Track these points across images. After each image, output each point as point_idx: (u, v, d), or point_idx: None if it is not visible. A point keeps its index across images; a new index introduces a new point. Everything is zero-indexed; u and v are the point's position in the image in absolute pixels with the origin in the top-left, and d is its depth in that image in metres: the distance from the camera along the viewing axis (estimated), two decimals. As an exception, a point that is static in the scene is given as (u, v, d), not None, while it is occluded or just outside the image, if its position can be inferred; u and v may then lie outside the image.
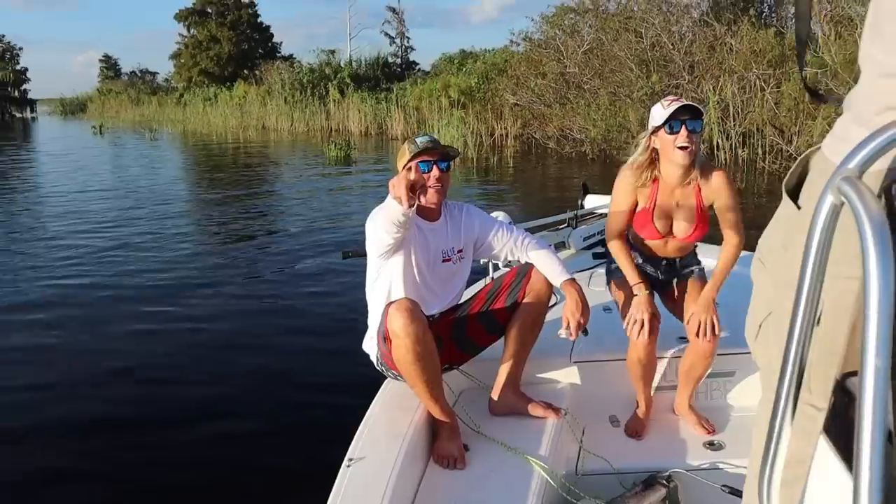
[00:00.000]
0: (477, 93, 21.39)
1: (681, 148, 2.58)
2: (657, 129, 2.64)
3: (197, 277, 6.98)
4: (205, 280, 6.89)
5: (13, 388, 4.46)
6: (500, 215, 3.89)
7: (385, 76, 32.62)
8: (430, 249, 2.78)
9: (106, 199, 12.27)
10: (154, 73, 64.03)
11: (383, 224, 2.50)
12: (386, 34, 40.37)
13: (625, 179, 2.79)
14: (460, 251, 2.88)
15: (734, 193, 2.74)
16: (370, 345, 2.78)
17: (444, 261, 2.83)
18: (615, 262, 2.89)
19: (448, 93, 21.96)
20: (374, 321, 2.77)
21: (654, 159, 2.74)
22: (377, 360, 2.72)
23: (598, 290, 3.15)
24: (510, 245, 2.88)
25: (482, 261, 3.46)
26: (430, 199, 2.74)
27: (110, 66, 69.38)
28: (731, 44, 14.77)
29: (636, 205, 2.80)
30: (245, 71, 43.18)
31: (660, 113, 2.61)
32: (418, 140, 2.76)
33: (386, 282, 2.70)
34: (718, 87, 14.43)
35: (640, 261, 2.93)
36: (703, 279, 2.88)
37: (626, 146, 15.36)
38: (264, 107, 31.29)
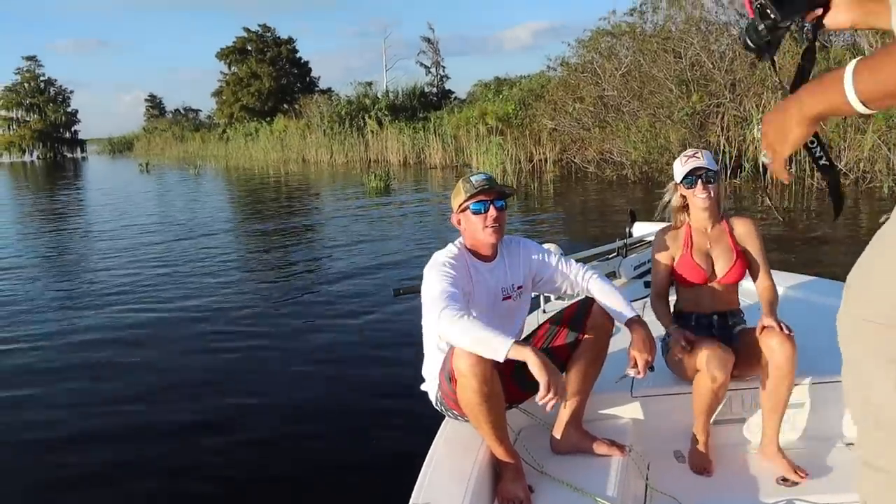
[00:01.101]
0: (514, 119, 21.39)
1: (701, 198, 2.88)
2: (678, 184, 2.94)
3: (245, 309, 7.02)
4: (252, 311, 6.92)
5: (82, 400, 4.81)
6: (551, 247, 3.83)
7: (422, 105, 32.85)
8: (490, 289, 2.73)
9: (154, 233, 12.54)
10: (197, 111, 65.64)
11: (458, 326, 2.37)
12: (421, 64, 40.71)
13: (659, 241, 3.05)
14: (520, 287, 2.82)
15: (762, 240, 2.98)
16: (430, 384, 2.72)
17: (504, 299, 2.78)
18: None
19: (485, 120, 22.02)
20: (433, 361, 2.71)
21: (684, 205, 2.98)
22: (437, 399, 2.66)
23: (650, 318, 3.08)
24: (570, 279, 2.82)
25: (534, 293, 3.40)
26: (487, 239, 2.70)
27: (155, 105, 71.31)
28: (773, 59, 14.56)
29: (673, 260, 3.01)
30: (285, 105, 43.95)
31: (679, 169, 2.91)
32: (473, 179, 2.72)
33: None
34: (762, 105, 14.21)
35: (693, 323, 2.96)
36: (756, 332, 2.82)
37: (667, 168, 15.18)
38: (304, 140, 31.76)
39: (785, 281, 4.03)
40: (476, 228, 2.69)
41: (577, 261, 3.80)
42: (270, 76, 47.47)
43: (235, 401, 4.70)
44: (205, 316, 6.80)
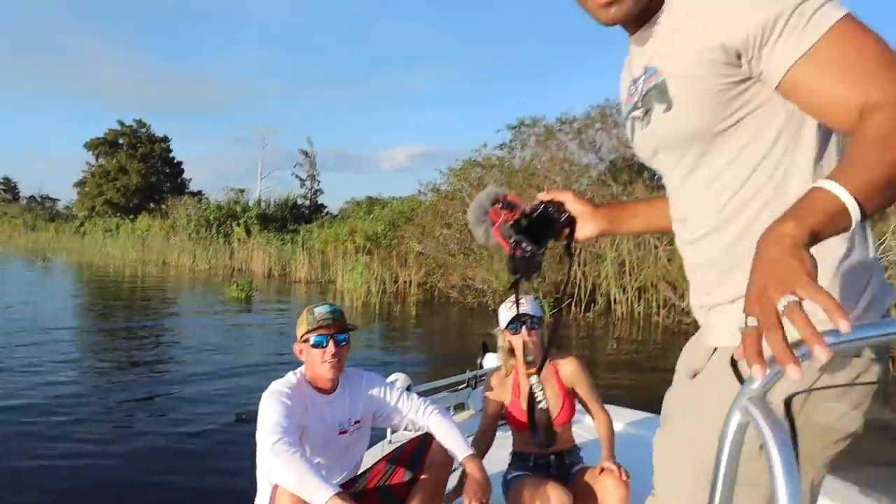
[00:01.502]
0: (383, 239, 21.67)
1: (525, 343, 2.95)
2: (504, 329, 3.02)
3: (74, 413, 6.56)
4: (81, 416, 6.48)
5: None
6: (399, 378, 3.84)
7: (293, 217, 32.83)
8: (326, 423, 2.68)
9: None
10: (55, 200, 62.76)
11: (286, 464, 2.32)
12: (297, 176, 41.01)
13: (488, 386, 3.10)
14: (357, 422, 2.78)
15: (589, 377, 3.08)
16: None
17: (340, 433, 2.73)
18: (510, 473, 3.00)
19: (354, 238, 22.17)
20: (263, 496, 2.59)
21: (511, 349, 3.04)
22: None
23: (499, 453, 3.09)
24: (410, 415, 2.82)
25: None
26: (325, 374, 2.68)
27: (8, 189, 67.65)
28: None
29: (503, 405, 3.06)
30: (151, 204, 42.74)
31: (503, 315, 3.01)
32: (317, 311, 2.73)
33: None
34: (615, 244, 15.08)
35: (531, 464, 2.99)
36: (594, 470, 2.90)
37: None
38: (167, 241, 30.76)
39: (627, 417, 4.15)
40: (315, 361, 2.67)
41: (428, 391, 3.81)
42: (139, 173, 46.27)
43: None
44: (29, 417, 6.38)
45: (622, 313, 14.69)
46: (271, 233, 27.80)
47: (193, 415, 6.98)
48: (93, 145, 48.28)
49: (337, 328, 2.70)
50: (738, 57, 1.12)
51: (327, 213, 36.03)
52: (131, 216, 39.91)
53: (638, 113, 1.35)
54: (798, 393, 1.04)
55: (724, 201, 1.22)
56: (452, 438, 2.71)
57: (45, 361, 8.99)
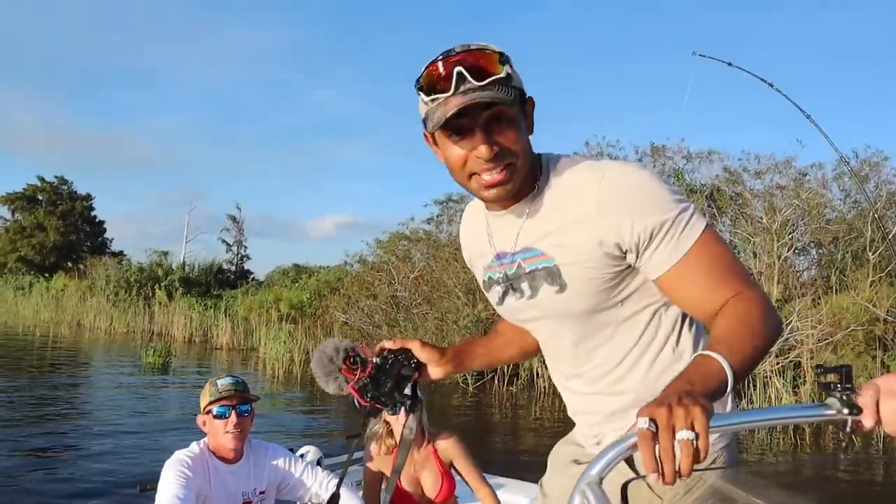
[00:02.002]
0: (308, 308, 21.54)
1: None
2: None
3: None
4: None
5: None
6: (310, 451, 3.89)
7: (218, 283, 32.27)
8: (229, 491, 2.74)
9: None
10: (-37, 255, 59.83)
11: None
12: (223, 241, 40.42)
13: (368, 456, 3.17)
14: (262, 492, 2.85)
15: (467, 453, 3.16)
16: None
17: (245, 503, 2.78)
18: None
19: (279, 306, 21.96)
20: None
21: (390, 430, 3.13)
22: None
23: None
24: (315, 488, 2.91)
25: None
26: (227, 444, 2.74)
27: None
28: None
29: (381, 479, 3.12)
30: (69, 263, 41.27)
31: None
32: (220, 382, 2.81)
33: None
34: (536, 321, 15.41)
35: None
36: None
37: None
38: (83, 303, 29.70)
39: (519, 490, 4.27)
40: (218, 432, 2.75)
41: (342, 463, 3.88)
42: (58, 230, 44.77)
43: None
44: None
45: (544, 387, 14.92)
46: (194, 297, 27.20)
47: (97, 483, 6.82)
48: (9, 200, 46.60)
49: (239, 399, 2.79)
50: (626, 251, 1.35)
51: (253, 279, 35.54)
52: (46, 274, 38.43)
53: (516, 284, 1.52)
54: (632, 480, 1.23)
55: (619, 358, 1.46)
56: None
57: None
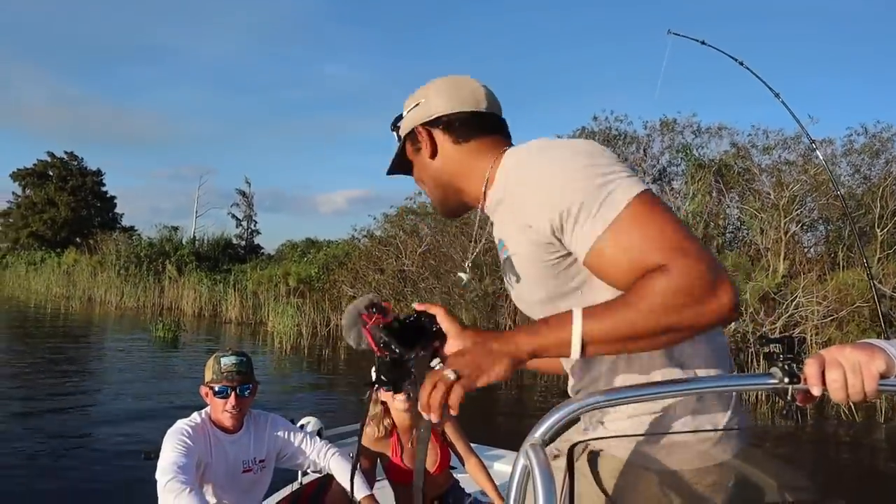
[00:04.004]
0: (316, 282, 21.64)
1: (399, 400, 3.09)
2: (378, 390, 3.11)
3: None
4: None
5: None
6: (311, 422, 3.95)
7: (227, 257, 32.41)
8: (230, 461, 2.79)
9: None
10: (-24, 230, 60.27)
11: (176, 501, 2.47)
12: (233, 216, 40.55)
13: (367, 433, 3.18)
14: (262, 461, 2.91)
15: (457, 423, 3.23)
16: None
17: (244, 471, 2.85)
18: None
19: (287, 281, 22.07)
20: None
21: (386, 409, 3.17)
22: None
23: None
24: (312, 456, 2.96)
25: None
26: (225, 421, 2.80)
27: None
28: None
29: (381, 457, 3.16)
30: (79, 238, 41.52)
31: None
32: (223, 361, 2.85)
33: None
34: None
35: None
36: (482, 503, 3.10)
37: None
38: (94, 277, 29.92)
39: (497, 456, 4.36)
40: (217, 408, 2.81)
41: (342, 435, 3.94)
42: (68, 206, 45.01)
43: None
44: None
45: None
46: (204, 272, 27.36)
47: (106, 450, 7.02)
48: (20, 176, 46.83)
49: (240, 381, 2.83)
50: (555, 237, 1.29)
51: (264, 253, 35.69)
52: (58, 250, 38.70)
53: (504, 274, 1.53)
54: (578, 443, 1.23)
55: None
56: (353, 482, 2.85)
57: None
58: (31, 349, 14.82)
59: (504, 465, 4.30)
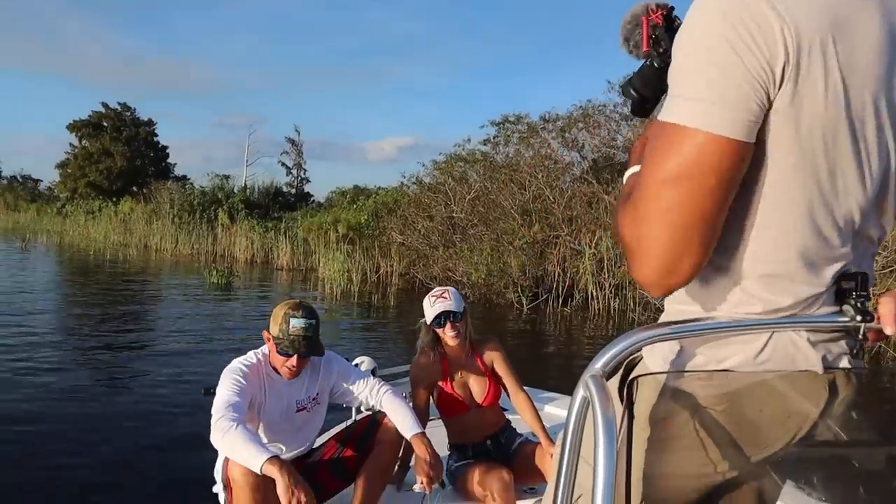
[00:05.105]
0: (366, 229, 21.76)
1: (450, 335, 3.10)
2: (430, 325, 3.14)
3: (52, 390, 6.74)
4: (60, 392, 6.67)
5: None
6: (364, 361, 3.95)
7: (278, 205, 32.79)
8: (284, 401, 2.80)
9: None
10: (37, 181, 62.06)
11: (226, 437, 2.48)
12: (283, 164, 40.93)
13: (416, 367, 3.20)
14: (315, 398, 2.90)
15: (505, 356, 3.25)
16: (219, 489, 2.75)
17: (298, 410, 2.84)
18: (453, 464, 3.11)
19: (337, 228, 22.24)
20: (219, 465, 2.72)
21: (438, 338, 3.18)
22: (222, 498, 2.68)
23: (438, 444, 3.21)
24: (365, 394, 2.95)
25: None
26: (283, 375, 2.79)
27: (-10, 170, 66.84)
28: (608, 201, 15.82)
29: (432, 388, 3.18)
30: (134, 188, 42.47)
31: (428, 311, 3.13)
32: (293, 323, 2.76)
33: None
34: (594, 241, 15.27)
35: (471, 453, 3.13)
36: (534, 444, 3.07)
37: (505, 291, 15.90)
38: (149, 225, 30.61)
39: (549, 399, 4.33)
40: (277, 361, 2.78)
41: (394, 375, 3.92)
42: (124, 156, 45.91)
43: (27, 486, 4.56)
44: (4, 395, 6.54)
45: (599, 309, 14.89)
46: (255, 219, 27.75)
47: (165, 387, 7.23)
48: (76, 127, 47.81)
49: (306, 347, 2.78)
50: None
51: (314, 201, 36.01)
52: (114, 199, 39.65)
53: None
54: (640, 376, 1.13)
55: None
56: (403, 417, 2.84)
57: (22, 342, 9.07)
58: (94, 293, 15.28)
59: (553, 408, 4.27)
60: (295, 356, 2.75)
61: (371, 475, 2.81)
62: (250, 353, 2.86)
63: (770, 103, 0.96)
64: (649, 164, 1.02)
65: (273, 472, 2.30)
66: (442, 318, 3.09)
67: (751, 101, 0.95)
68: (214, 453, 2.82)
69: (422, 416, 3.10)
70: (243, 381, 2.67)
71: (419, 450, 2.72)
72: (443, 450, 3.16)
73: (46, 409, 6.35)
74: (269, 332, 2.82)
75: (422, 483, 2.67)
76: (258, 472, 2.32)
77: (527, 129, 18.97)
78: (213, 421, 2.53)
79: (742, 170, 0.99)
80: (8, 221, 44.52)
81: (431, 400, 3.19)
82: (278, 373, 2.83)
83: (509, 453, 3.13)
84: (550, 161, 18.14)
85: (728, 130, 0.95)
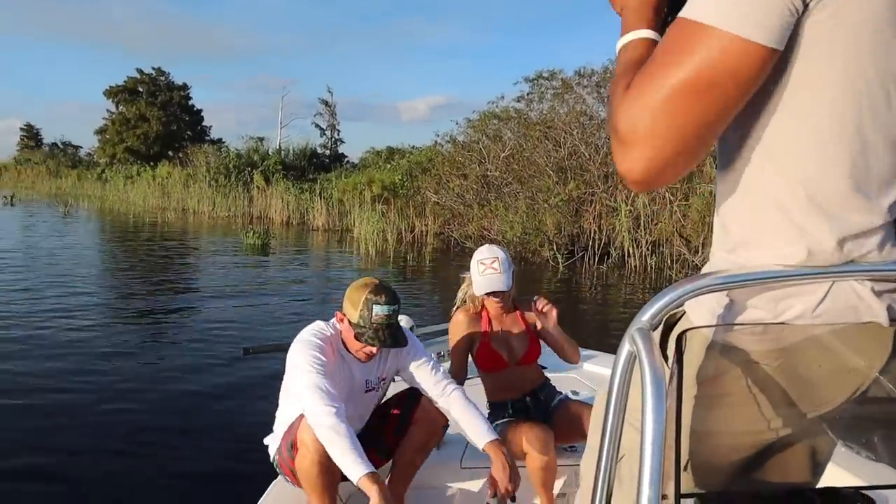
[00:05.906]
0: (400, 189, 21.72)
1: (495, 303, 3.03)
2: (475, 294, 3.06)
3: (96, 352, 6.87)
4: (103, 354, 6.81)
5: None
6: (403, 319, 3.89)
7: (312, 167, 32.86)
8: (355, 381, 2.71)
9: (12, 270, 11.94)
10: (77, 147, 62.97)
11: (333, 433, 2.36)
12: (317, 125, 40.93)
13: (456, 327, 3.11)
14: (384, 378, 2.84)
15: (556, 320, 3.08)
16: (273, 443, 2.73)
17: (367, 391, 2.77)
18: (492, 422, 2.95)
19: (372, 188, 22.23)
20: (283, 423, 2.69)
21: (473, 295, 3.09)
22: (275, 460, 2.67)
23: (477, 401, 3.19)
24: (432, 388, 2.79)
25: None
26: (356, 358, 2.71)
27: (31, 136, 67.92)
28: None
29: (472, 344, 3.09)
30: (171, 152, 42.87)
31: (477, 280, 3.01)
32: (376, 310, 2.57)
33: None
34: (630, 198, 15.06)
35: (510, 410, 3.07)
36: (573, 402, 3.03)
37: (540, 249, 15.81)
38: (186, 189, 30.94)
39: (610, 362, 4.27)
40: (352, 346, 2.67)
41: (431, 333, 3.86)
42: (159, 120, 46.32)
43: (68, 444, 4.65)
44: (54, 356, 6.73)
45: (635, 266, 14.75)
46: (290, 181, 27.86)
47: (206, 346, 7.38)
48: (112, 93, 48.26)
49: (390, 336, 2.60)
50: None
51: (348, 162, 36.02)
52: (151, 163, 40.10)
53: None
54: (689, 329, 1.06)
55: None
56: (475, 425, 2.66)
57: (66, 304, 9.31)
58: (135, 255, 15.58)
59: (592, 366, 4.25)
60: (376, 347, 2.60)
61: (408, 453, 2.78)
62: (320, 324, 2.69)
63: (805, 5, 0.87)
64: (661, 59, 0.93)
65: (370, 489, 2.21)
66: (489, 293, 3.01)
67: (783, 1, 0.86)
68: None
69: (461, 373, 3.06)
70: (322, 357, 2.52)
71: (497, 460, 2.54)
72: (482, 407, 3.15)
73: (98, 363, 6.57)
74: (345, 314, 2.63)
75: (496, 498, 2.58)
76: (353, 482, 2.29)
77: (561, 86, 18.61)
78: (309, 404, 2.39)
79: (761, 79, 0.90)
80: (50, 187, 45.32)
81: (470, 356, 3.14)
82: (350, 350, 2.70)
83: (548, 410, 3.09)
84: (586, 117, 17.81)
85: (756, 34, 0.86)
